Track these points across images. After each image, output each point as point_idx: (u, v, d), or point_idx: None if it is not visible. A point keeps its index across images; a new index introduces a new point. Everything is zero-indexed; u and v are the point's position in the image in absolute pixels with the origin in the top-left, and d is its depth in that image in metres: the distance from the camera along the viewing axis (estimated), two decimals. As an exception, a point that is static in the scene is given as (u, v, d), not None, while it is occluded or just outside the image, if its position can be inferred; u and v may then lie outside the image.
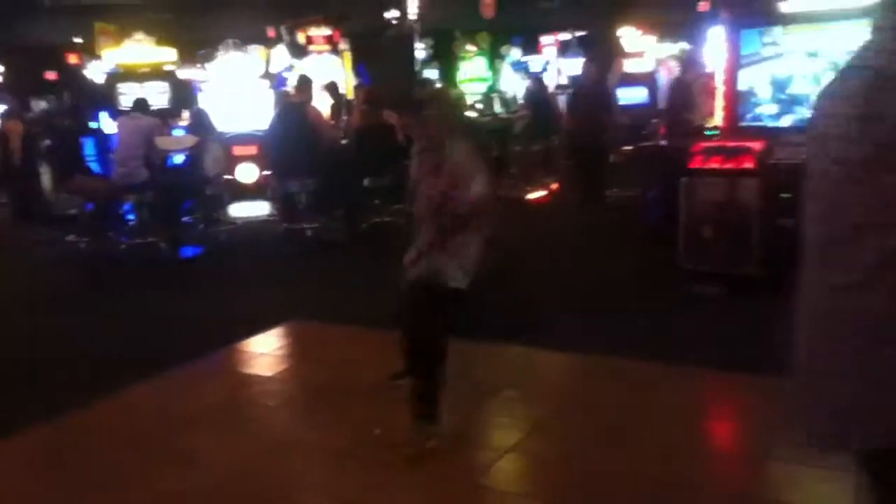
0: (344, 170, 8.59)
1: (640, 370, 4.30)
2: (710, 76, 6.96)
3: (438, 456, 3.44)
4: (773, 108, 5.92)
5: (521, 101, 12.95)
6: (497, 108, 13.07)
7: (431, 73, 15.40)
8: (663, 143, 8.58)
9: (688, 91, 8.99)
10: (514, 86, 14.39)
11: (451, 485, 3.16)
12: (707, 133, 6.61)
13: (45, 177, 9.98)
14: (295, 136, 8.10)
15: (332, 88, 10.25)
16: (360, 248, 8.12)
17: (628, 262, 6.62)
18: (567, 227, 8.69)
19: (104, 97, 10.90)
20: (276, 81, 10.72)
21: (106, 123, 10.15)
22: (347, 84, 11.16)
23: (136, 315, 6.08)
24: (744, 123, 6.02)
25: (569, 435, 3.58)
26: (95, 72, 13.00)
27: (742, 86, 5.99)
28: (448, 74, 15.33)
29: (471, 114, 11.68)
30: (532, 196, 10.46)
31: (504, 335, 4.91)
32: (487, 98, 13.42)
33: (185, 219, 8.97)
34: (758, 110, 5.97)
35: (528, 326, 5.14)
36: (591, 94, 9.33)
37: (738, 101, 6.04)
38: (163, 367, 4.69)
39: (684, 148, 6.19)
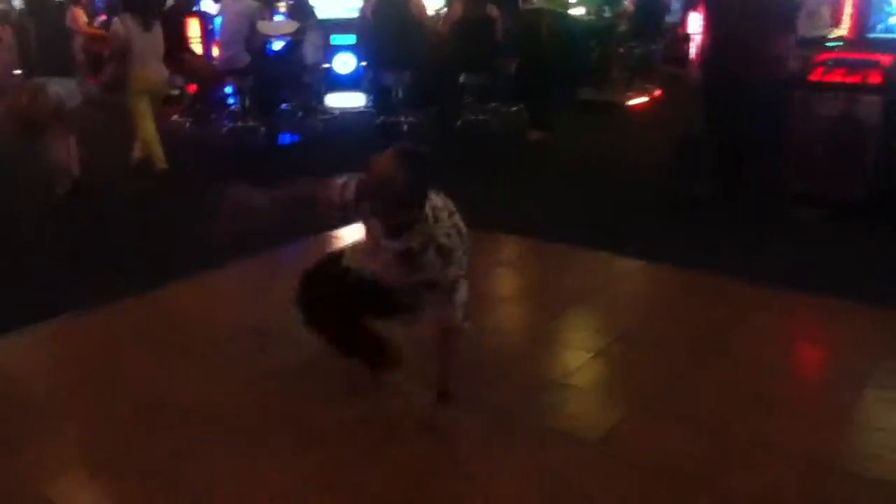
0: (440, 64, 8.49)
1: (731, 288, 4.22)
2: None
3: (525, 354, 3.52)
4: (910, 18, 5.47)
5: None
6: (602, 5, 12.50)
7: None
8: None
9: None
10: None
11: (536, 381, 3.24)
12: (828, 45, 6.20)
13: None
14: (394, 28, 8.00)
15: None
16: (452, 145, 8.10)
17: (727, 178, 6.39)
18: (667, 136, 8.42)
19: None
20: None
21: (208, 5, 10.23)
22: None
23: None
24: (872, 35, 5.61)
25: (655, 344, 3.59)
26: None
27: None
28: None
29: (575, 12, 11.22)
30: (632, 102, 10.13)
31: (595, 242, 4.88)
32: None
33: (283, 106, 9.11)
34: (892, 20, 5.53)
35: (619, 235, 5.09)
36: None
37: (868, 9, 5.61)
38: (257, 250, 4.88)
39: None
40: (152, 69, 6.57)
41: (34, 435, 2.92)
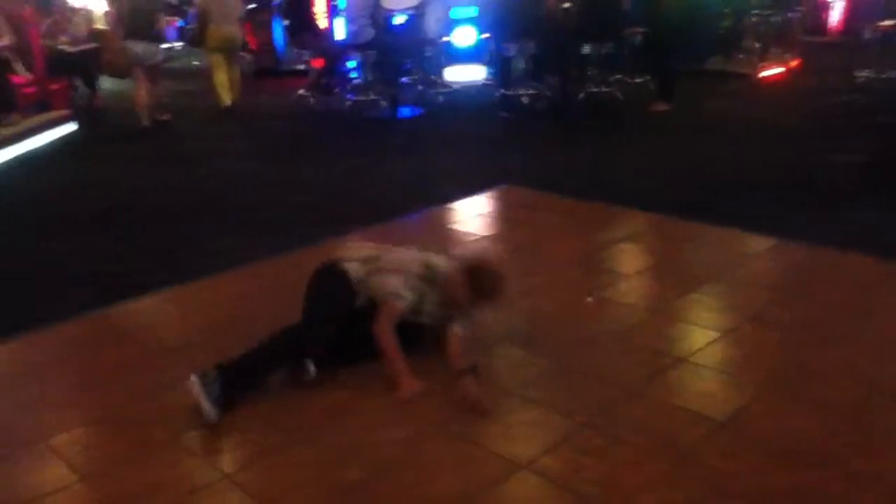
0: (564, 35, 8.32)
1: (866, 266, 3.97)
2: None
3: (652, 330, 3.42)
4: None
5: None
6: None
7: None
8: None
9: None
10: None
11: (662, 357, 3.14)
12: None
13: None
14: (516, -1, 7.92)
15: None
16: (575, 118, 7.96)
17: (870, 153, 5.97)
18: (803, 109, 7.95)
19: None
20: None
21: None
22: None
23: (355, 169, 6.42)
24: None
25: (785, 325, 3.40)
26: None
27: None
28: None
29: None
30: (765, 73, 9.60)
31: (723, 218, 4.68)
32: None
33: (404, 79, 9.20)
34: None
35: (748, 212, 4.85)
36: None
37: None
38: (379, 219, 4.96)
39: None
40: (225, 29, 8.31)
41: (179, 380, 3.08)
